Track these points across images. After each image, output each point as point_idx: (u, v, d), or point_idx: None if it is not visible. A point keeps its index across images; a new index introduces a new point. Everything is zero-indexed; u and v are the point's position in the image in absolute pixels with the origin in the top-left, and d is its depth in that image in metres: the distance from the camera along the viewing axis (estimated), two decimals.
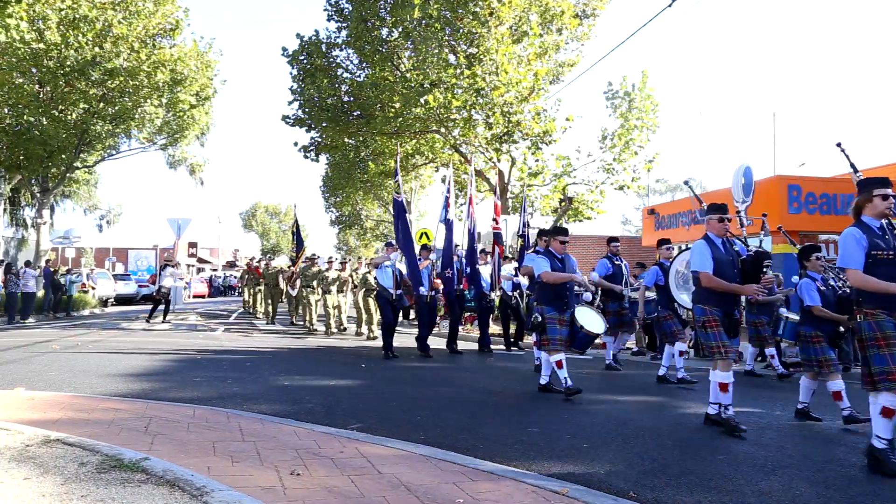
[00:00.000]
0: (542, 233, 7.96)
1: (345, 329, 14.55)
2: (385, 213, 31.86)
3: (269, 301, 17.19)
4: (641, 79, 16.23)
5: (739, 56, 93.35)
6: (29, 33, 16.46)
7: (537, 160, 16.57)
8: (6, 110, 18.59)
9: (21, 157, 19.42)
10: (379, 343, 11.46)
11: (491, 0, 14.20)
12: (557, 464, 4.05)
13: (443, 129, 16.50)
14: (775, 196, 16.06)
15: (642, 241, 22.43)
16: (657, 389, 7.25)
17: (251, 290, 20.24)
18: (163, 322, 16.23)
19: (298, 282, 15.28)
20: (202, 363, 8.69)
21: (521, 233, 11.98)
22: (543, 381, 6.72)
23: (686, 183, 7.78)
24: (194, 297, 38.22)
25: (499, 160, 16.26)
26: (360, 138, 19.58)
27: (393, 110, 16.11)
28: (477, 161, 14.80)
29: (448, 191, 11.21)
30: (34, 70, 18.14)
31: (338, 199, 31.47)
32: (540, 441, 4.65)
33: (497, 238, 11.58)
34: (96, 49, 17.72)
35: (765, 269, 5.16)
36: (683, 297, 7.04)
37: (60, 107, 18.92)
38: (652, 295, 8.52)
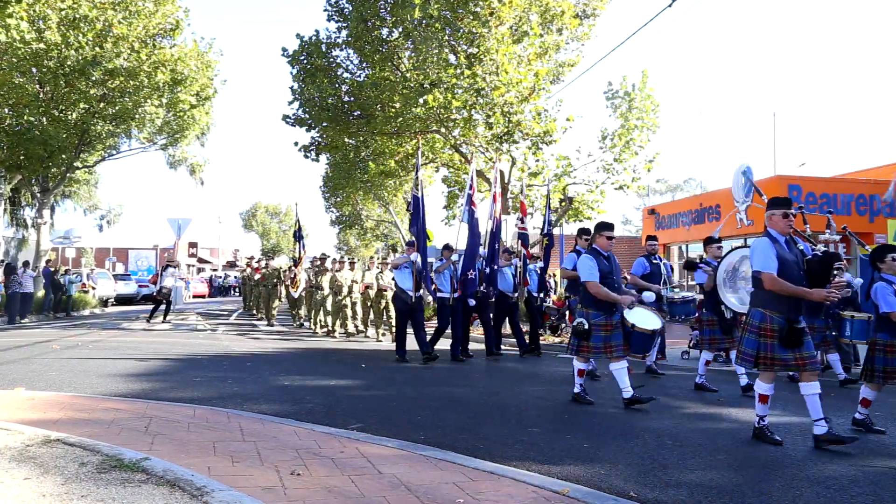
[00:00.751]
0: (582, 231, 7.38)
1: (350, 333, 14.49)
2: (385, 213, 31.81)
3: (269, 301, 17.17)
4: (641, 79, 16.20)
5: (739, 56, 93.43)
6: (29, 33, 16.45)
7: (537, 160, 16.56)
8: (6, 110, 18.59)
9: (21, 157, 19.40)
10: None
11: (491, 0, 14.19)
12: (557, 464, 4.05)
13: (443, 129, 16.49)
14: (775, 196, 16.05)
15: (642, 242, 22.35)
16: (657, 390, 7.24)
17: (251, 290, 20.24)
18: (163, 322, 16.24)
19: (302, 283, 15.21)
20: (202, 363, 8.69)
21: (545, 232, 11.91)
22: (627, 394, 6.02)
23: (744, 174, 7.37)
24: (194, 297, 38.24)
25: (499, 160, 16.26)
26: (361, 138, 19.57)
27: (393, 110, 16.12)
28: (477, 161, 14.75)
29: (471, 188, 10.46)
30: (34, 70, 18.12)
31: (338, 199, 31.44)
32: (540, 441, 4.65)
33: (523, 238, 11.26)
34: (96, 49, 17.70)
35: (835, 272, 4.66)
36: (731, 300, 6.73)
37: (61, 107, 18.91)
38: (690, 295, 8.22)
